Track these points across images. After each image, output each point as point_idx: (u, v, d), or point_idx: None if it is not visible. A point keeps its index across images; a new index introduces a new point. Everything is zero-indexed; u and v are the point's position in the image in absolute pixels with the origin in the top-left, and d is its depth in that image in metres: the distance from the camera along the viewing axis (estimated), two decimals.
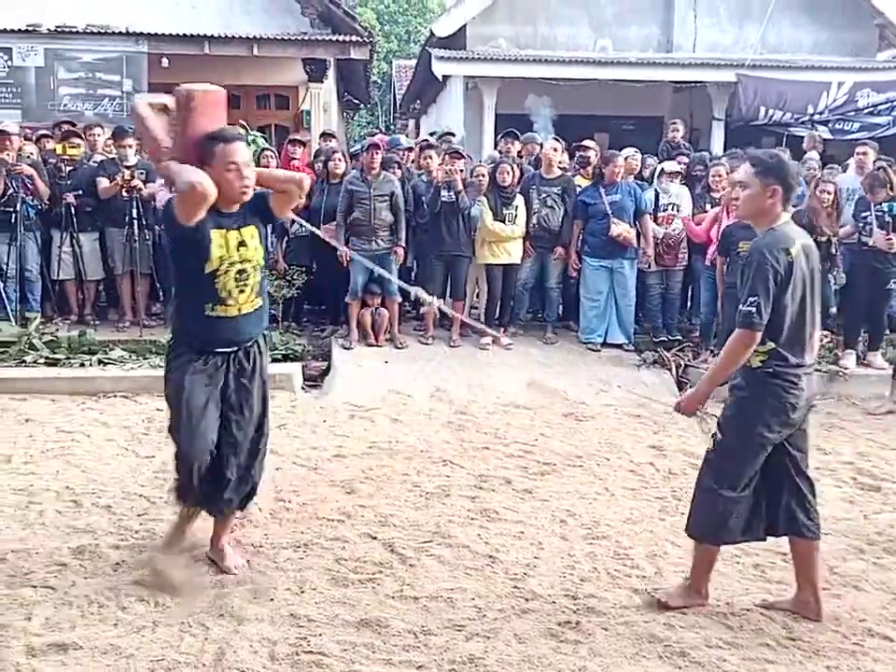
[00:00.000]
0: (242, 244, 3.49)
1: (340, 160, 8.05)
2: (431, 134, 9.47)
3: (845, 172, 8.73)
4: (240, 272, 3.50)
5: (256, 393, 3.67)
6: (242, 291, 3.53)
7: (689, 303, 8.47)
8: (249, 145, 9.65)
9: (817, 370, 7.10)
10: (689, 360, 7.59)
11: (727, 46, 13.33)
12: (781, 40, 13.50)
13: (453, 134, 9.88)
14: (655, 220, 7.95)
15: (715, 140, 12.76)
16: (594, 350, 7.79)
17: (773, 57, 12.91)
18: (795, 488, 3.38)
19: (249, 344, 3.64)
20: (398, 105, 23.32)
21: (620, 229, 7.58)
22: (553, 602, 3.53)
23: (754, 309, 3.11)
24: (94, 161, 8.13)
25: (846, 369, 7.32)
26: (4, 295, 7.63)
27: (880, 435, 6.04)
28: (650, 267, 7.91)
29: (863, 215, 7.37)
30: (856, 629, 3.34)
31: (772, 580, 3.77)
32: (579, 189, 7.98)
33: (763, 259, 3.12)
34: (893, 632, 3.32)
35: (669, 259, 7.95)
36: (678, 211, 7.92)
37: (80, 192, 7.80)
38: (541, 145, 8.63)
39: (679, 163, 8.49)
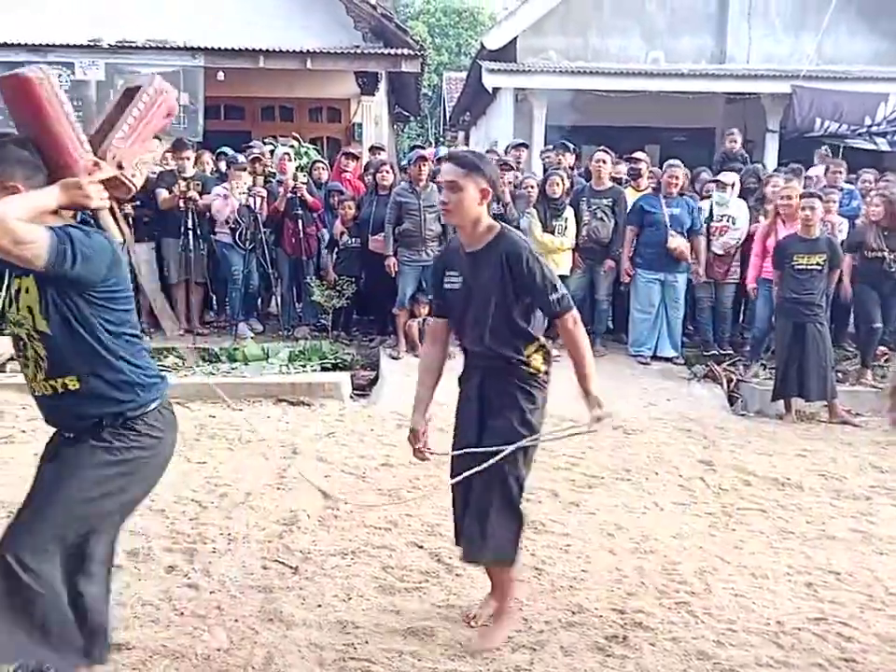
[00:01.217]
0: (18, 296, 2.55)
1: (388, 171, 8.13)
2: (512, 147, 9.45)
3: None
4: (17, 338, 2.63)
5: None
6: (26, 366, 2.64)
7: (741, 317, 8.36)
8: (301, 157, 9.87)
9: (871, 385, 7.14)
10: (740, 374, 7.49)
11: (782, 57, 13.13)
12: (838, 51, 13.25)
13: (526, 145, 9.87)
14: (708, 231, 7.87)
15: (769, 152, 12.58)
16: (643, 363, 7.73)
17: (829, 68, 12.68)
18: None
19: (72, 435, 2.63)
20: (447, 118, 23.42)
21: (678, 242, 7.53)
22: (600, 616, 3.51)
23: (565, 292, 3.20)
24: (152, 173, 8.32)
25: None
26: None
27: None
28: (699, 279, 7.84)
29: None
30: None
31: (824, 599, 3.69)
32: (631, 200, 7.95)
33: None
34: None
35: (720, 272, 7.86)
36: (732, 223, 7.83)
37: (138, 203, 7.98)
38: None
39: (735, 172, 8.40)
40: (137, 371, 2.62)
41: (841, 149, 11.65)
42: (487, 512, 3.14)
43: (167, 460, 2.78)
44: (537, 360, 3.21)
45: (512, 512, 3.20)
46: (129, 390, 2.59)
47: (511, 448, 3.08)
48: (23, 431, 5.77)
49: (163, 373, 2.80)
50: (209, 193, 7.97)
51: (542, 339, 3.23)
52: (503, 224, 3.27)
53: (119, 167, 2.66)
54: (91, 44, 11.35)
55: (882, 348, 7.76)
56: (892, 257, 7.23)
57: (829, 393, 6.65)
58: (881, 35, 13.18)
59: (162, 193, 7.94)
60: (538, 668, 3.11)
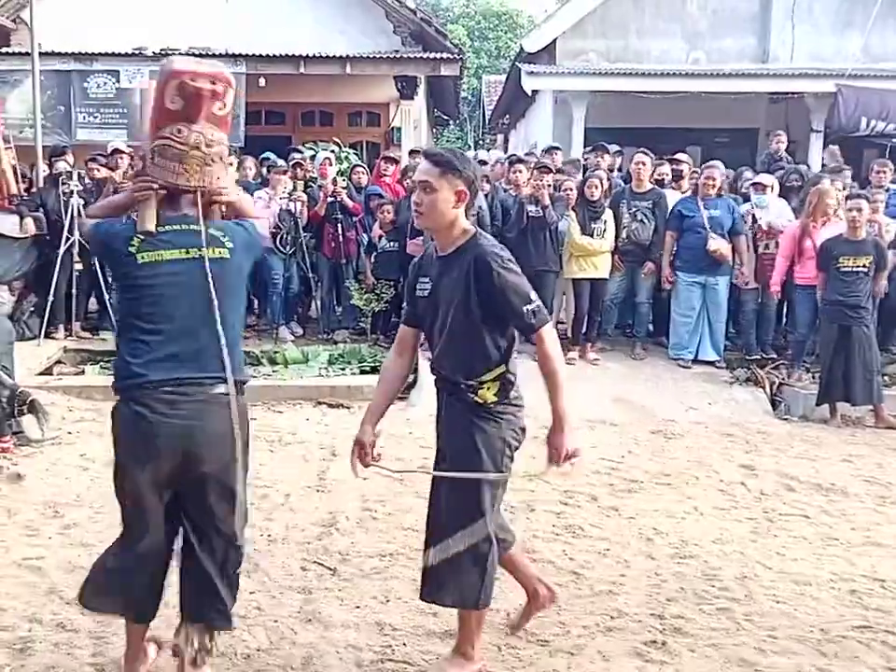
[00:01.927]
0: None
1: None
2: (545, 151, 9.45)
3: None
4: None
5: None
6: None
7: (784, 320, 8.23)
8: (341, 161, 9.95)
9: None
10: (783, 378, 7.38)
11: (827, 55, 12.91)
12: (885, 48, 13.00)
13: (558, 149, 9.85)
14: (755, 237, 7.78)
15: (813, 153, 12.38)
16: (684, 367, 7.65)
17: (876, 66, 12.45)
18: None
19: None
20: (486, 121, 23.44)
21: (718, 244, 7.44)
22: (639, 621, 3.48)
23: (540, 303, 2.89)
24: None
25: None
26: (109, 306, 7.97)
27: None
28: (747, 284, 7.72)
29: None
30: None
31: (869, 606, 3.62)
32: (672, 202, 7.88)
33: None
34: None
35: (769, 275, 7.75)
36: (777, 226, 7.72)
37: None
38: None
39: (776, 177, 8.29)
40: (122, 360, 2.75)
41: (888, 149, 11.42)
42: (448, 549, 2.91)
43: (126, 455, 2.89)
44: (487, 390, 2.86)
45: (475, 556, 2.92)
46: (116, 372, 2.80)
47: (453, 475, 2.95)
48: (69, 433, 5.88)
49: (142, 377, 2.69)
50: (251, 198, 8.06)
51: (509, 368, 2.90)
52: (479, 230, 2.98)
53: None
54: (136, 52, 11.57)
55: None
56: None
57: (875, 397, 6.53)
58: None
59: None
60: (575, 670, 3.10)
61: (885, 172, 8.34)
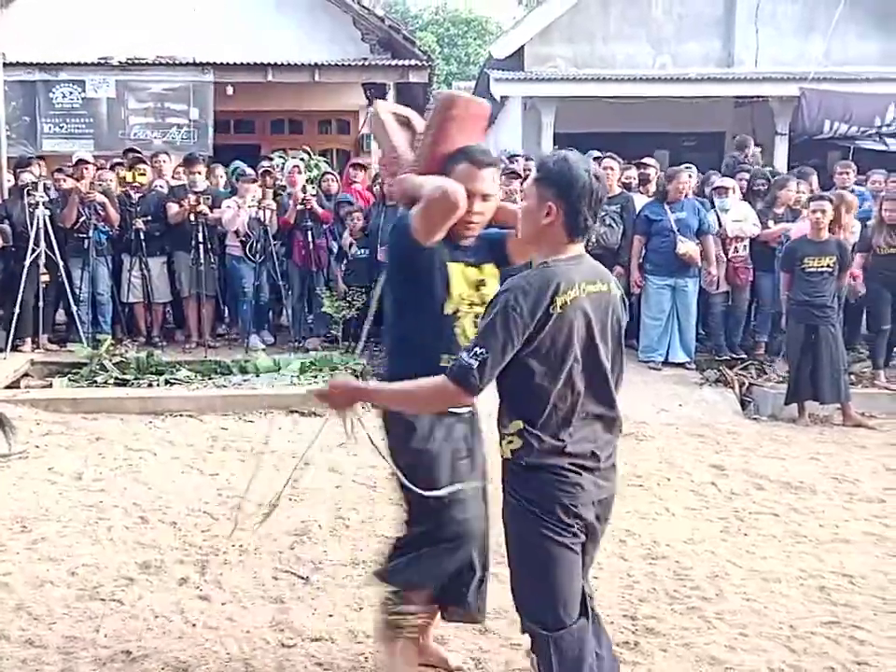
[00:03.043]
0: (482, 283, 2.87)
1: None
2: (508, 158, 9.50)
3: None
4: (479, 316, 2.70)
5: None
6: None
7: (752, 321, 8.32)
8: (311, 169, 9.93)
9: (884, 387, 7.09)
10: (753, 378, 7.46)
11: (790, 59, 13.08)
12: (847, 52, 13.20)
13: (525, 157, 9.87)
14: (723, 240, 7.85)
15: (778, 155, 12.53)
16: (654, 369, 7.71)
17: (838, 69, 12.64)
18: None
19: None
20: None
21: (686, 247, 7.51)
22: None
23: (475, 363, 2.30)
24: (161, 187, 8.41)
25: None
26: (77, 318, 7.91)
27: None
28: (717, 288, 7.79)
29: None
30: None
31: (837, 602, 3.67)
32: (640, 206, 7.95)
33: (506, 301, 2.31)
34: None
35: (742, 277, 7.83)
36: (741, 229, 7.81)
37: (149, 218, 8.06)
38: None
39: (740, 179, 8.38)
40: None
41: (851, 151, 11.60)
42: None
43: None
44: (511, 443, 2.42)
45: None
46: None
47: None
48: (37, 447, 5.81)
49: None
50: (219, 208, 8.03)
51: (528, 426, 2.37)
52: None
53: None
54: (102, 62, 11.47)
55: None
56: None
57: (843, 395, 6.61)
58: (890, 36, 13.11)
59: (173, 207, 8.03)
60: None
61: (848, 173, 8.48)
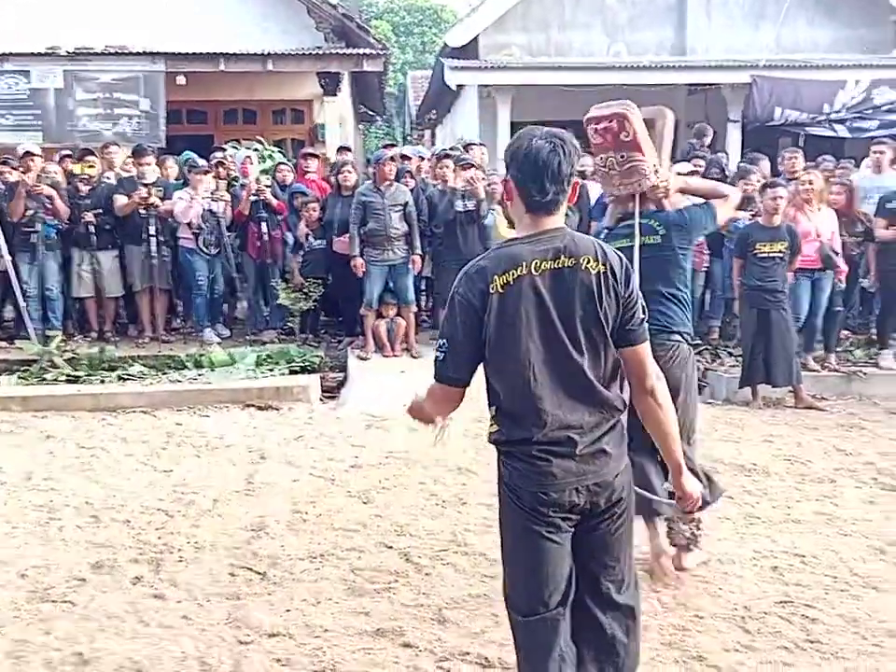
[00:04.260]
0: None
1: (349, 171, 8.09)
2: (466, 146, 9.47)
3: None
4: None
5: None
6: None
7: (705, 307, 8.40)
8: (265, 159, 9.81)
9: (834, 370, 7.22)
10: (707, 363, 7.54)
11: (742, 47, 13.23)
12: (797, 40, 13.39)
13: (482, 145, 9.86)
14: None
15: (731, 142, 12.67)
16: None
17: (789, 57, 12.80)
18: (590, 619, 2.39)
19: None
20: (413, 116, 23.40)
21: None
22: None
23: (441, 355, 2.34)
24: (109, 178, 8.25)
25: (891, 369, 7.27)
26: (26, 314, 7.74)
27: None
28: None
29: None
30: (875, 630, 3.30)
31: (789, 582, 3.72)
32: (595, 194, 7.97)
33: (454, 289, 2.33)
34: None
35: (696, 261, 7.85)
36: None
37: (99, 211, 7.90)
38: None
39: (696, 166, 8.43)
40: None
41: (801, 138, 11.77)
42: None
43: None
44: (490, 427, 2.39)
45: None
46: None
47: None
48: None
49: None
50: (170, 199, 7.90)
51: (498, 411, 2.35)
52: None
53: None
54: (49, 52, 11.20)
55: (845, 332, 7.86)
56: (851, 241, 7.31)
57: (794, 378, 6.71)
58: (839, 24, 13.32)
59: (120, 199, 7.86)
60: (508, 660, 3.11)
61: (796, 159, 8.58)
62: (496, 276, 2.25)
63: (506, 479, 2.35)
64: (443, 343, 2.32)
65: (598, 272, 2.26)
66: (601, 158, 3.78)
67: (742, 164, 8.39)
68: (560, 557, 2.32)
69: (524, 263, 2.25)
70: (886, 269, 7.43)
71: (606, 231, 3.97)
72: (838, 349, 7.57)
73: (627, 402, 2.38)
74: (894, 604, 3.51)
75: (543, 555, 2.30)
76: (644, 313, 2.36)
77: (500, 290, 2.24)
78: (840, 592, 3.62)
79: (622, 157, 3.68)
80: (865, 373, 7.22)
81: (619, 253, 2.37)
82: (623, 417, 2.38)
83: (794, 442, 5.79)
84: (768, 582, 3.74)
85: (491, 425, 2.37)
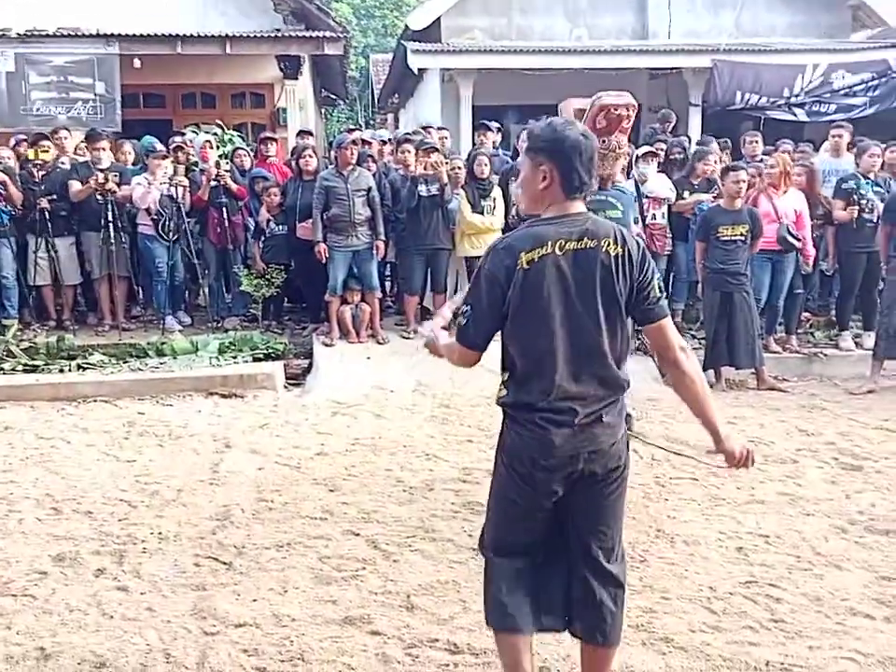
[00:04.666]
0: None
1: (311, 156, 7.99)
2: (425, 128, 9.42)
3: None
4: None
5: None
6: None
7: (669, 290, 8.45)
8: (225, 144, 9.67)
9: (795, 351, 7.32)
10: None
11: (702, 31, 13.31)
12: (756, 24, 13.50)
13: (442, 128, 9.80)
14: (641, 207, 7.90)
15: (692, 126, 12.74)
16: None
17: (748, 41, 12.89)
18: (579, 580, 2.57)
19: None
20: (376, 100, 23.22)
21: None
22: None
23: (464, 321, 2.52)
24: (64, 164, 8.06)
25: (850, 350, 7.38)
26: None
27: (861, 415, 6.07)
28: None
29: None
30: (838, 609, 3.35)
31: (754, 562, 3.77)
32: None
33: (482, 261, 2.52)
34: (875, 611, 3.34)
35: (659, 244, 7.89)
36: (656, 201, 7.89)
37: (54, 197, 7.72)
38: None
39: (658, 150, 8.46)
40: None
41: (762, 121, 11.87)
42: None
43: None
44: (499, 391, 2.55)
45: None
46: None
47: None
48: None
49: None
50: (128, 184, 7.74)
51: (509, 377, 2.51)
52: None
53: None
54: (0, 34, 10.91)
55: (806, 314, 7.97)
56: (812, 223, 7.39)
57: (757, 360, 6.79)
58: (797, 8, 13.46)
59: (75, 185, 7.69)
60: (477, 645, 3.11)
61: (756, 142, 8.67)
62: (522, 253, 2.40)
63: (507, 443, 2.53)
64: (467, 311, 2.49)
65: (617, 254, 2.43)
66: (604, 140, 4.11)
67: (699, 147, 8.43)
68: (542, 519, 2.54)
69: (549, 242, 2.41)
70: (843, 251, 7.55)
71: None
72: (799, 331, 7.69)
73: (630, 383, 2.54)
74: (856, 582, 3.57)
75: (522, 521, 2.54)
76: (661, 291, 2.53)
77: (525, 266, 2.39)
78: (803, 571, 3.67)
79: (617, 144, 4.27)
80: (826, 355, 7.34)
81: (636, 238, 2.54)
82: (625, 395, 2.53)
83: (757, 423, 5.86)
84: (733, 563, 3.78)
85: (500, 388, 2.54)
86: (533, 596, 2.57)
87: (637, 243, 2.51)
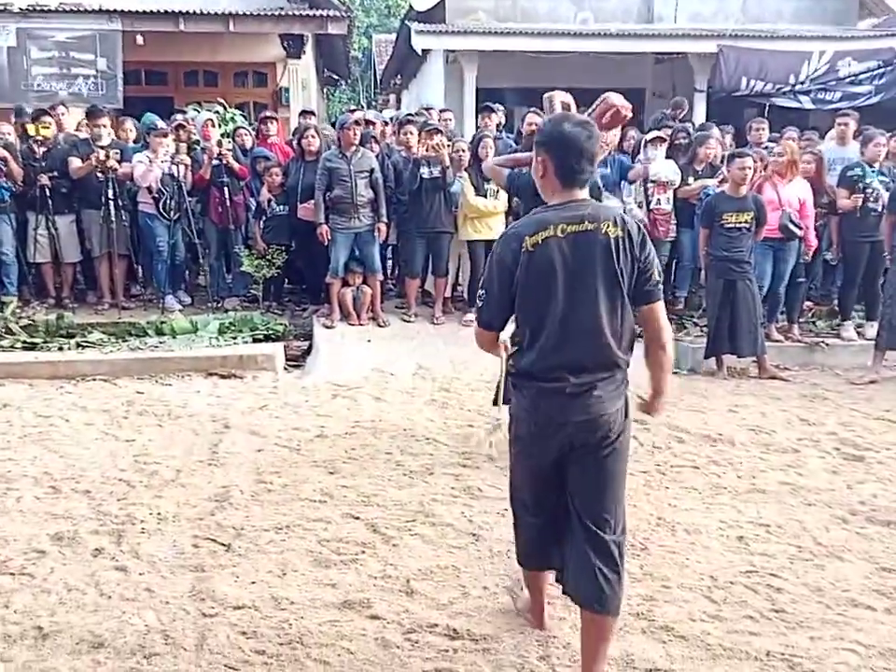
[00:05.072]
0: None
1: (313, 136, 7.93)
2: (427, 110, 9.38)
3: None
4: None
5: None
6: None
7: (673, 276, 8.41)
8: (227, 123, 9.59)
9: (797, 341, 7.29)
10: (673, 333, 7.56)
11: (709, 16, 13.22)
12: (763, 10, 13.41)
13: (432, 108, 9.75)
14: (646, 191, 7.86)
15: (697, 112, 12.66)
16: None
17: (754, 27, 12.80)
18: (578, 547, 2.72)
19: None
20: (378, 81, 23.07)
21: (612, 203, 7.49)
22: None
23: (480, 303, 2.75)
24: (66, 142, 7.99)
25: (852, 340, 7.36)
26: None
27: (863, 405, 6.05)
28: None
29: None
30: (839, 599, 3.34)
31: (755, 552, 3.76)
32: None
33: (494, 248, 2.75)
34: (876, 601, 3.33)
35: (663, 230, 7.83)
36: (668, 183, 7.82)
37: (55, 174, 7.67)
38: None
39: (665, 134, 8.39)
40: None
41: (767, 108, 11.80)
42: None
43: None
44: (509, 361, 2.80)
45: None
46: None
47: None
48: None
49: None
50: (129, 161, 7.68)
51: (518, 349, 2.74)
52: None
53: None
54: (1, 8, 10.81)
55: (808, 303, 7.94)
56: (817, 212, 7.35)
57: (759, 349, 6.76)
58: None
59: (75, 162, 7.63)
60: (476, 631, 3.10)
61: (762, 130, 8.60)
62: (527, 237, 2.62)
63: (514, 408, 2.80)
64: (483, 294, 2.73)
65: (617, 236, 2.61)
66: (605, 134, 4.73)
67: (700, 133, 8.37)
68: (546, 483, 2.78)
69: (551, 226, 2.62)
70: (847, 240, 7.50)
71: None
72: (801, 320, 7.66)
73: (630, 363, 2.71)
74: (857, 573, 3.56)
75: (530, 484, 2.84)
76: (660, 275, 2.72)
77: (531, 249, 2.61)
78: (804, 561, 3.66)
79: (608, 139, 4.95)
80: (828, 344, 7.31)
81: (637, 222, 2.75)
82: (622, 374, 2.71)
83: (759, 412, 5.84)
84: (734, 552, 3.77)
85: (510, 359, 2.78)
86: (548, 547, 2.87)
87: (638, 226, 2.68)
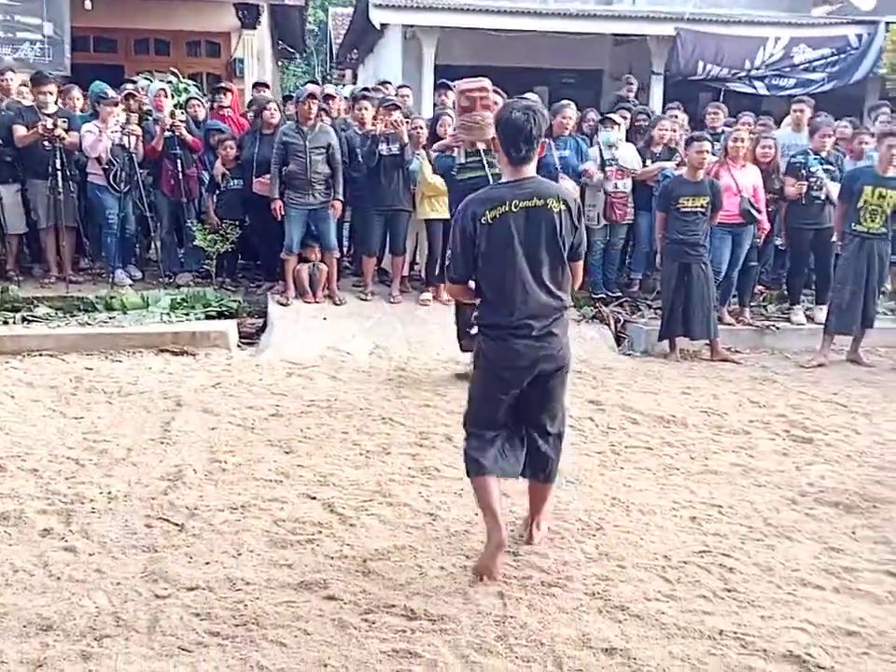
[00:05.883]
0: None
1: (275, 110, 7.79)
2: (384, 84, 9.27)
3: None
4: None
5: None
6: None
7: (627, 260, 8.47)
8: (180, 93, 9.37)
9: (748, 324, 7.42)
10: (627, 315, 7.64)
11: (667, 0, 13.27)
12: None
13: (389, 83, 9.67)
14: (605, 175, 7.86)
15: (654, 95, 12.74)
16: None
17: (712, 11, 12.88)
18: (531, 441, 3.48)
19: None
20: (334, 55, 22.76)
21: (568, 185, 7.48)
22: None
23: (449, 262, 3.49)
24: (10, 108, 7.72)
25: (801, 324, 7.49)
26: None
27: (811, 388, 6.18)
28: (598, 224, 7.80)
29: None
30: (789, 579, 3.40)
31: (708, 532, 3.81)
32: None
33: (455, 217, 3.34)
34: (825, 581, 3.39)
35: (620, 213, 7.85)
36: (623, 166, 7.83)
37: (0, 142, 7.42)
38: None
39: (623, 117, 8.41)
40: None
41: (722, 93, 11.92)
42: None
43: None
44: (475, 314, 3.41)
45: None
46: None
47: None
48: None
49: None
50: (77, 131, 7.45)
51: (483, 303, 3.34)
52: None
53: None
54: None
55: (759, 287, 8.05)
56: (768, 197, 7.44)
57: (712, 332, 6.85)
58: None
59: (19, 130, 7.37)
60: (433, 611, 3.09)
61: (718, 114, 8.68)
62: (486, 211, 3.17)
63: (483, 352, 3.37)
64: (450, 255, 3.40)
65: (560, 210, 3.20)
66: (468, 115, 5.25)
67: (656, 115, 8.42)
68: (505, 405, 3.37)
69: (507, 202, 3.17)
70: (792, 226, 7.61)
71: (459, 165, 5.63)
72: (752, 304, 7.78)
73: (570, 303, 3.41)
74: (806, 553, 3.63)
75: (495, 405, 3.38)
76: (584, 238, 3.34)
77: (490, 221, 3.17)
78: (756, 541, 3.73)
79: (481, 118, 5.17)
80: (778, 328, 7.44)
81: (574, 196, 3.36)
82: (567, 313, 3.38)
83: (710, 395, 5.92)
84: (687, 532, 3.81)
85: (476, 313, 3.37)
86: (496, 454, 3.39)
87: (575, 200, 3.28)
